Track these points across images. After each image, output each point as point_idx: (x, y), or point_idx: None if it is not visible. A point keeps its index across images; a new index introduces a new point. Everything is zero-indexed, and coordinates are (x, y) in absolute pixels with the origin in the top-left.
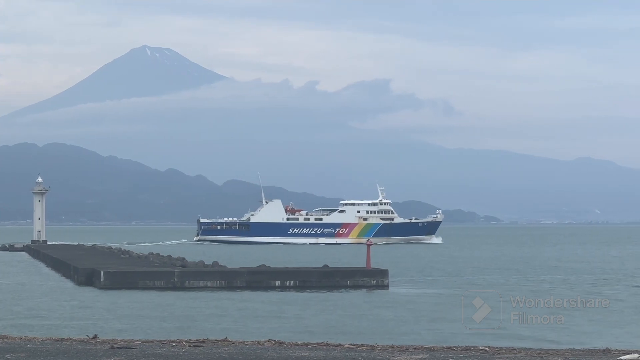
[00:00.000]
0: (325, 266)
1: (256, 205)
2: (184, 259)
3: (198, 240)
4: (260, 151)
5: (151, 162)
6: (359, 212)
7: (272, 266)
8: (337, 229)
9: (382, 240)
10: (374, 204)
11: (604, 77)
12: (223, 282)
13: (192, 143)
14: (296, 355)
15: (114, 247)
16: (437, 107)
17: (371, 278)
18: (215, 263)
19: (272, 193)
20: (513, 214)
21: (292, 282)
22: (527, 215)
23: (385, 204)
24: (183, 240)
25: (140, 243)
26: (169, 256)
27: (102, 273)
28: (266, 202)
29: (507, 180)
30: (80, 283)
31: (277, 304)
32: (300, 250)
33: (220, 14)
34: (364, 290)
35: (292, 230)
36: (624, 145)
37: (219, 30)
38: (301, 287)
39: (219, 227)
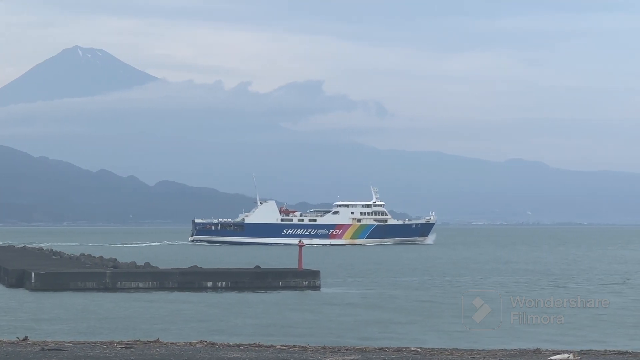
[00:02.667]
0: (257, 267)
1: (186, 204)
2: (115, 259)
3: (193, 241)
4: (191, 152)
5: (83, 163)
6: (352, 213)
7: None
8: (331, 230)
9: (376, 241)
10: (368, 205)
11: (535, 78)
12: (155, 282)
13: (124, 144)
14: (228, 356)
15: (44, 248)
16: (369, 108)
17: (303, 279)
18: (147, 264)
19: (204, 194)
20: (445, 215)
21: (224, 283)
22: (459, 216)
23: (379, 205)
24: (165, 241)
25: (132, 244)
26: (101, 257)
27: (32, 274)
28: (260, 203)
29: (439, 181)
30: (10, 285)
31: (209, 305)
32: (292, 252)
33: (154, 15)
34: (296, 291)
35: (286, 231)
36: (555, 147)
37: (152, 32)
38: (233, 288)
39: (213, 228)
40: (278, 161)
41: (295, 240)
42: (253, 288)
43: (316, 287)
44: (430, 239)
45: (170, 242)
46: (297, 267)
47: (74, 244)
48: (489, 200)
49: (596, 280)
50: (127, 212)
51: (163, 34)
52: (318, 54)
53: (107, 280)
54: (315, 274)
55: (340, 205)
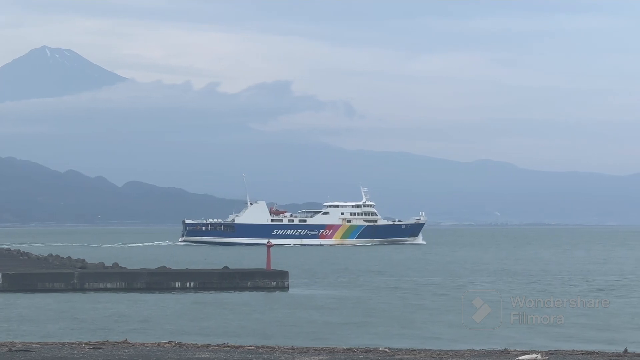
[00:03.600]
0: (226, 267)
1: (155, 205)
2: (84, 260)
3: (183, 242)
4: (160, 153)
5: (51, 164)
6: (342, 213)
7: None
8: (321, 231)
9: (366, 241)
10: (358, 206)
11: (504, 79)
12: (123, 283)
13: (92, 144)
14: (196, 357)
15: (12, 249)
16: (338, 108)
17: (271, 279)
18: (115, 264)
19: (172, 194)
20: (413, 216)
21: (192, 283)
22: (427, 217)
23: (368, 205)
24: (155, 242)
25: (126, 244)
26: (69, 257)
27: (0, 275)
28: (250, 204)
29: (407, 181)
30: None
31: (177, 306)
32: (282, 252)
33: (123, 16)
34: (264, 292)
35: (277, 231)
36: (524, 147)
37: (122, 32)
38: (201, 288)
39: (203, 229)
40: (246, 161)
41: (286, 241)
42: (221, 288)
43: (284, 288)
44: (420, 238)
45: (160, 243)
46: (267, 267)
47: (57, 244)
48: (457, 200)
49: (559, 280)
50: (96, 212)
51: (132, 35)
52: (287, 55)
53: (75, 281)
54: (283, 275)
55: (330, 206)
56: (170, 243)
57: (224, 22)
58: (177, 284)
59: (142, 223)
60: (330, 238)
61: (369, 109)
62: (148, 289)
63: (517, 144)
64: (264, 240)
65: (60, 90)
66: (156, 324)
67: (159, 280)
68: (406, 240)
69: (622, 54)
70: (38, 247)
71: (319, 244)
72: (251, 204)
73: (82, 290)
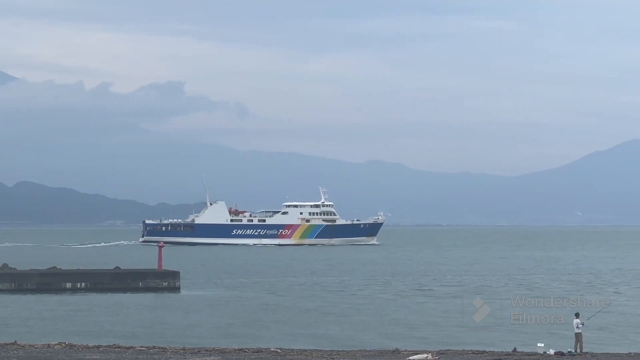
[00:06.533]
0: (117, 268)
1: (46, 205)
2: None
3: (143, 242)
4: (51, 152)
5: None
6: (301, 213)
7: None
8: (280, 230)
9: (324, 241)
10: (317, 206)
11: (397, 80)
12: (13, 284)
13: None
14: (87, 358)
15: None
16: (230, 109)
17: (162, 280)
18: (5, 265)
19: (64, 194)
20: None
21: (83, 284)
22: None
23: (327, 205)
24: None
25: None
26: None
27: None
28: (210, 204)
29: (298, 182)
30: None
31: (68, 306)
32: (242, 251)
33: (15, 15)
34: (155, 292)
35: (236, 231)
36: (415, 148)
37: (13, 31)
38: (93, 289)
39: (164, 229)
40: (138, 162)
41: (245, 241)
42: (113, 289)
43: (176, 288)
44: (375, 239)
45: (127, 243)
46: (158, 268)
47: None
48: (349, 201)
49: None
50: None
51: (24, 34)
52: (180, 55)
53: None
54: (175, 275)
55: (289, 206)
56: (132, 243)
57: (117, 23)
58: (68, 285)
59: (33, 223)
60: (290, 238)
61: (261, 110)
62: (38, 290)
63: (408, 144)
64: (224, 240)
65: None
66: (46, 326)
67: (50, 281)
68: (364, 240)
69: (511, 56)
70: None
71: (278, 243)
72: (211, 204)
73: None
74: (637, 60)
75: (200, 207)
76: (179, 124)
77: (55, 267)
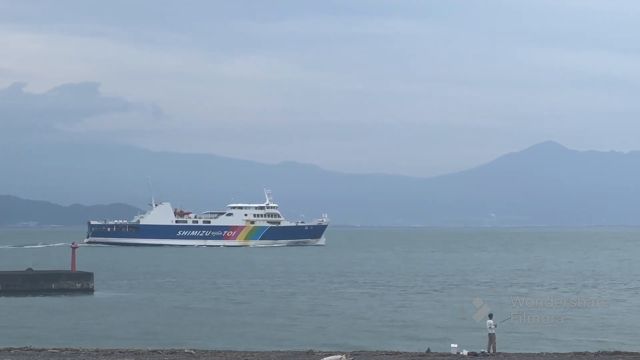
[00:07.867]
0: (30, 269)
1: None
2: None
3: (88, 243)
4: None
5: None
6: (246, 215)
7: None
8: (225, 232)
9: (269, 242)
10: (261, 207)
11: (312, 81)
12: None
13: None
14: None
15: None
16: (145, 110)
17: (76, 281)
18: None
19: None
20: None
21: None
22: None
23: (272, 207)
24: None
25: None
26: None
27: None
28: (155, 205)
29: (212, 183)
30: None
31: None
32: (188, 253)
33: None
34: (69, 294)
35: (181, 232)
36: (329, 149)
37: None
38: (5, 291)
39: (109, 229)
40: (51, 162)
41: (190, 242)
42: (25, 291)
43: (89, 290)
44: (322, 240)
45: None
46: (72, 269)
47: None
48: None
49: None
50: None
51: None
52: (94, 56)
53: None
54: (88, 276)
55: (234, 207)
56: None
57: (30, 23)
58: None
59: None
60: (234, 239)
61: (176, 111)
62: None
63: (322, 146)
64: (170, 241)
65: None
66: None
67: None
68: (309, 242)
69: (425, 58)
70: None
71: (222, 244)
72: (156, 205)
73: None
74: (551, 62)
75: (117, 208)
76: (93, 124)
77: None
